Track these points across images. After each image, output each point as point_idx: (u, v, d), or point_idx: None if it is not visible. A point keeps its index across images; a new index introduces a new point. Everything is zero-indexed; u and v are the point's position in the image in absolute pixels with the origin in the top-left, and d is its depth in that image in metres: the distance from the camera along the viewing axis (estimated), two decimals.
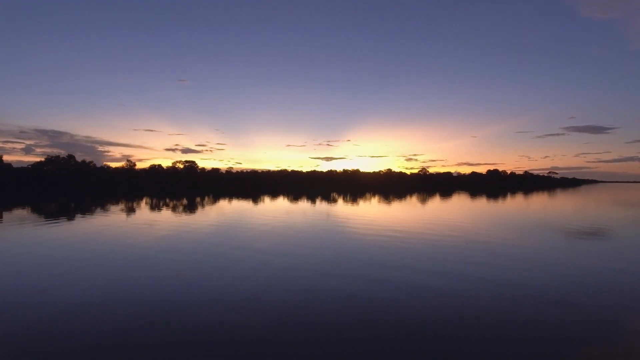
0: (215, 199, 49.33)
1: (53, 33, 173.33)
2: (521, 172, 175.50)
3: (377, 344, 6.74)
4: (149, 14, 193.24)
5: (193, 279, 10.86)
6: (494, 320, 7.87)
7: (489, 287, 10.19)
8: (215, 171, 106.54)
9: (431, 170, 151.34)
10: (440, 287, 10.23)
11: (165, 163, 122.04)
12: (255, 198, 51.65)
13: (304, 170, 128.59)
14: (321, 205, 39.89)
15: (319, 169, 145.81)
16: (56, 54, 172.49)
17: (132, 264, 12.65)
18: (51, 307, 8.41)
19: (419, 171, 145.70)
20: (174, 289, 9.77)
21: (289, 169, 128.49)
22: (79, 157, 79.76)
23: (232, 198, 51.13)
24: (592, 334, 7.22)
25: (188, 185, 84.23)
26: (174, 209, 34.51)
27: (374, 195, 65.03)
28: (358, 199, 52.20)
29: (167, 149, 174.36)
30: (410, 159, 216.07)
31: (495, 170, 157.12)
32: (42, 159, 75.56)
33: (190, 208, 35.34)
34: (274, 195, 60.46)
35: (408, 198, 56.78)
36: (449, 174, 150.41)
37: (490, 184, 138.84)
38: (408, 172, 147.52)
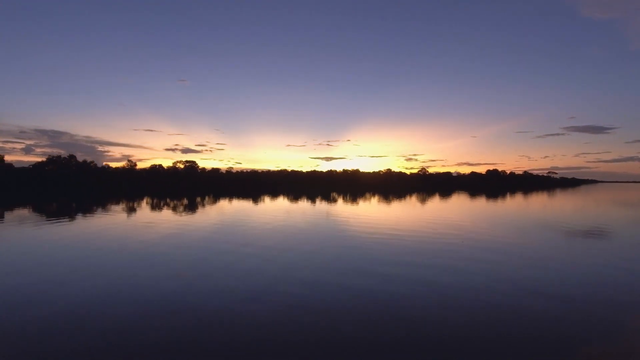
0: (216, 199, 49.46)
1: (53, 33, 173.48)
2: (521, 172, 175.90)
3: (377, 335, 6.91)
4: (149, 14, 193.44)
5: (200, 275, 11.06)
6: (493, 318, 7.98)
7: (487, 286, 10.30)
8: (215, 171, 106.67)
9: (431, 170, 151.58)
10: (437, 281, 10.46)
11: (166, 163, 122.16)
12: (256, 198, 51.78)
13: (304, 170, 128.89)
14: (321, 205, 40.02)
15: (319, 169, 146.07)
16: (56, 54, 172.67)
17: (136, 262, 12.78)
18: (51, 306, 8.45)
19: (418, 171, 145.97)
20: (180, 286, 9.91)
21: (289, 169, 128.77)
22: (79, 157, 79.84)
23: (233, 198, 51.26)
24: (592, 333, 7.27)
25: (188, 185, 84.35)
26: (176, 208, 34.64)
27: (373, 195, 65.16)
28: (358, 199, 52.33)
29: (167, 149, 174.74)
30: (410, 159, 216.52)
31: (495, 170, 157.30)
32: (43, 159, 75.72)
33: (192, 208, 35.47)
34: (274, 195, 60.59)
35: (408, 198, 56.92)
36: (448, 174, 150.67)
37: (490, 184, 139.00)
38: (408, 172, 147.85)
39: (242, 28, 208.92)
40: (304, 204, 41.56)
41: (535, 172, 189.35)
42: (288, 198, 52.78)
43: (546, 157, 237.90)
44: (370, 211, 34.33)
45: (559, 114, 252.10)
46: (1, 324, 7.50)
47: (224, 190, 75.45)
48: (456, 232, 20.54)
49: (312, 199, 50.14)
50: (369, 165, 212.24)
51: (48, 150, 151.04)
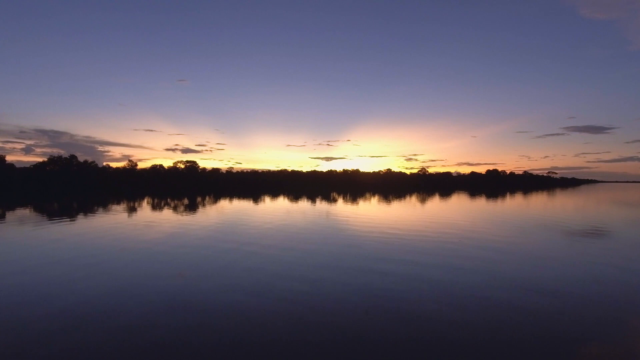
0: (217, 199, 49.69)
1: (53, 33, 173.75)
2: (521, 172, 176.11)
3: (376, 330, 7.18)
4: (149, 14, 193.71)
5: (204, 273, 11.34)
6: (491, 316, 8.17)
7: (487, 285, 10.56)
8: (215, 171, 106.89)
9: (431, 170, 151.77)
10: (436, 279, 10.72)
11: (166, 163, 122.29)
12: (256, 198, 52.02)
13: (304, 170, 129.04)
14: (321, 205, 40.26)
15: (319, 169, 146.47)
16: (56, 53, 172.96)
17: (140, 261, 13.05)
18: (51, 306, 8.50)
19: (418, 171, 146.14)
20: (185, 283, 10.20)
21: (289, 169, 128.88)
22: (79, 157, 79.96)
23: (233, 198, 51.50)
24: (592, 333, 7.30)
25: (189, 185, 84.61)
26: (177, 208, 34.88)
27: (373, 195, 65.39)
28: (358, 199, 52.56)
29: (167, 149, 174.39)
30: (410, 159, 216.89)
31: (495, 170, 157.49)
32: (44, 159, 75.94)
33: (194, 208, 35.72)
34: (274, 195, 60.82)
35: (407, 198, 57.15)
36: (448, 173, 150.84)
37: (490, 184, 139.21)
38: (408, 172, 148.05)
39: (242, 28, 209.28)
40: (304, 204, 41.80)
41: (535, 172, 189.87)
42: (288, 198, 53.01)
43: (546, 157, 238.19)
44: (370, 211, 34.56)
45: (559, 114, 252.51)
46: (2, 323, 7.57)
47: (225, 190, 75.69)
48: (455, 232, 20.79)
49: (312, 199, 50.39)
50: (369, 165, 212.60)
51: (48, 150, 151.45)
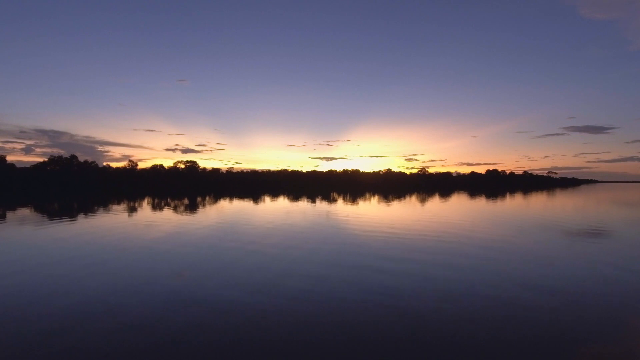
0: (217, 199, 49.83)
1: (53, 33, 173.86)
2: (520, 172, 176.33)
3: (377, 324, 7.33)
4: (149, 14, 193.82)
5: (208, 270, 11.55)
6: (490, 315, 8.26)
7: (486, 283, 10.68)
8: (216, 171, 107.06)
9: (431, 170, 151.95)
10: (433, 275, 10.87)
11: (166, 163, 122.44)
12: (256, 198, 52.15)
13: (304, 170, 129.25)
14: (322, 205, 40.39)
15: (319, 169, 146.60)
16: (56, 53, 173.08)
17: (145, 259, 13.19)
18: (51, 306, 8.47)
19: (418, 171, 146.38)
20: (190, 280, 10.36)
21: (289, 169, 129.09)
22: (79, 157, 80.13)
23: (234, 198, 51.63)
24: (591, 332, 7.28)
25: (189, 185, 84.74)
26: (178, 208, 35.00)
27: (373, 195, 65.52)
28: (358, 199, 52.69)
29: (167, 149, 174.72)
30: (410, 159, 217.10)
31: (495, 170, 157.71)
32: (44, 159, 76.13)
33: (195, 208, 35.84)
34: (274, 195, 60.96)
35: (407, 198, 57.28)
36: (448, 174, 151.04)
37: (490, 184, 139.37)
38: (408, 172, 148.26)
39: (242, 28, 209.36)
40: (304, 204, 41.93)
41: (535, 172, 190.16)
42: (288, 198, 53.15)
43: (546, 157, 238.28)
44: (370, 211, 34.70)
45: (559, 114, 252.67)
46: (2, 323, 7.56)
47: (224, 190, 75.83)
48: (454, 231, 20.91)
49: (313, 199, 50.52)
50: (369, 165, 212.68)
51: (48, 150, 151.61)
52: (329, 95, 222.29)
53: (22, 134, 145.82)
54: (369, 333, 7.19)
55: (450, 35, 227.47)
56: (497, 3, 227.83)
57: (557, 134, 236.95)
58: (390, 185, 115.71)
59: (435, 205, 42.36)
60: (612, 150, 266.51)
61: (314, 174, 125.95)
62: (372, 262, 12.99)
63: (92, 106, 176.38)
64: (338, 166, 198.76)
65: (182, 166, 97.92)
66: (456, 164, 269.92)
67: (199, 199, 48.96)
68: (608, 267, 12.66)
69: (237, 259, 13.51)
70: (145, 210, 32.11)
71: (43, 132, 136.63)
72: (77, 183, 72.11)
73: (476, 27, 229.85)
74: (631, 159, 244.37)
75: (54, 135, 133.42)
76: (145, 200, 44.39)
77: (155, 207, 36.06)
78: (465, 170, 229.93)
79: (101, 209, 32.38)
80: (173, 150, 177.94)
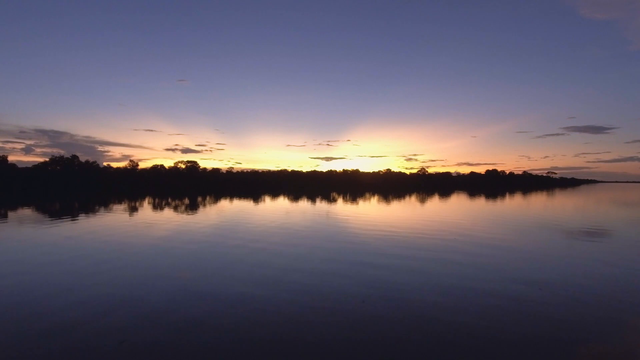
0: (218, 198, 50.12)
1: (53, 33, 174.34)
2: (520, 172, 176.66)
3: (378, 317, 7.65)
4: (149, 14, 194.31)
5: (215, 266, 12.03)
6: (489, 314, 8.42)
7: (484, 281, 10.96)
8: (216, 171, 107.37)
9: (431, 170, 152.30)
10: (430, 271, 11.29)
11: (166, 163, 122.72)
12: (257, 198, 52.44)
13: (304, 170, 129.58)
14: (322, 205, 40.69)
15: (319, 169, 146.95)
16: (56, 54, 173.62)
17: (155, 256, 13.51)
18: (50, 306, 8.48)
19: (418, 171, 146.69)
20: (197, 276, 10.71)
21: (289, 169, 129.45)
22: (79, 157, 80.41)
23: (234, 198, 51.92)
24: (592, 333, 7.27)
25: (190, 185, 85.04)
26: (181, 208, 35.30)
27: (373, 195, 65.81)
28: (358, 199, 52.98)
29: (167, 149, 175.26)
30: (410, 159, 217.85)
31: (494, 171, 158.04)
32: (44, 159, 76.53)
33: (197, 207, 36.14)
34: (274, 195, 61.24)
35: (407, 198, 57.57)
36: (448, 174, 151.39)
37: (489, 184, 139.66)
38: (408, 172, 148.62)
39: (242, 28, 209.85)
40: (304, 204, 42.23)
41: (535, 172, 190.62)
42: (289, 198, 53.44)
43: (546, 157, 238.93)
44: (370, 210, 35.00)
45: (559, 114, 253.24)
46: (3, 323, 7.59)
47: (225, 190, 76.10)
48: (454, 230, 21.21)
49: (313, 199, 50.82)
50: (368, 165, 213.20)
51: (48, 150, 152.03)
52: (329, 95, 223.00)
53: (22, 134, 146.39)
54: (370, 324, 7.51)
55: (450, 35, 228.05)
56: (497, 3, 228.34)
57: (557, 134, 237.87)
58: (390, 185, 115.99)
59: (435, 205, 42.65)
60: (612, 150, 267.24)
61: (314, 174, 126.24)
62: (372, 259, 13.33)
63: (92, 106, 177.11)
64: (338, 166, 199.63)
65: (183, 166, 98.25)
66: (456, 164, 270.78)
67: (200, 199, 49.26)
68: (608, 267, 12.62)
69: (241, 255, 13.92)
70: (147, 210, 32.41)
71: (43, 132, 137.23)
72: (79, 183, 72.41)
73: (476, 27, 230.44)
74: (631, 159, 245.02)
75: (54, 135, 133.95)
76: (147, 200, 44.69)
77: (157, 207, 36.36)
78: (465, 170, 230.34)
79: (103, 209, 32.67)
80: (173, 150, 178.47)
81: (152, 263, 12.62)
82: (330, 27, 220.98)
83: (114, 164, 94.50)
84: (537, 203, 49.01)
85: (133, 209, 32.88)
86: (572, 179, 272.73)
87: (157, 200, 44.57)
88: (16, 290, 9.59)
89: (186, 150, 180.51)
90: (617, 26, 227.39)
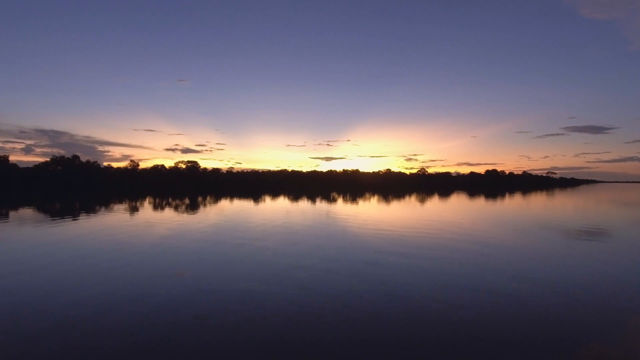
0: (218, 198, 50.16)
1: (53, 33, 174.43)
2: (520, 172, 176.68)
3: (379, 313, 7.72)
4: (149, 14, 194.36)
5: (220, 264, 12.33)
6: (488, 313, 8.40)
7: (483, 280, 10.98)
8: (216, 171, 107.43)
9: (431, 170, 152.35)
10: (429, 269, 11.32)
11: (166, 163, 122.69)
12: (257, 198, 52.48)
13: (304, 170, 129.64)
14: (322, 205, 40.73)
15: (319, 169, 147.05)
16: (56, 53, 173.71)
17: (160, 255, 13.55)
18: (51, 306, 8.47)
19: (418, 171, 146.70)
20: (203, 273, 10.78)
21: (289, 169, 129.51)
22: (79, 157, 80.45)
23: (235, 198, 51.97)
24: (592, 333, 7.25)
25: (190, 185, 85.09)
26: (182, 207, 35.33)
27: (373, 195, 65.84)
28: (358, 199, 53.02)
29: (167, 149, 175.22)
30: (410, 159, 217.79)
31: (494, 171, 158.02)
32: (45, 159, 76.63)
33: (198, 207, 36.17)
34: (274, 195, 61.28)
35: (407, 198, 57.59)
36: (447, 174, 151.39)
37: (489, 184, 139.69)
38: (408, 172, 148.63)
39: (242, 28, 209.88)
40: (305, 204, 42.26)
41: (535, 172, 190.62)
42: (289, 198, 53.48)
43: (546, 157, 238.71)
44: (370, 210, 35.03)
45: (559, 114, 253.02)
46: (3, 322, 7.59)
47: (225, 190, 76.15)
48: (454, 230, 21.23)
49: (313, 199, 50.85)
50: (368, 165, 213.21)
51: (48, 150, 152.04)
52: (329, 95, 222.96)
53: (22, 134, 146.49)
54: (370, 323, 7.53)
55: (450, 35, 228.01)
56: (497, 3, 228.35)
57: (557, 134, 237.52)
58: (390, 185, 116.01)
59: (435, 205, 42.67)
60: (612, 150, 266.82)
61: (314, 174, 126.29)
62: (372, 258, 13.39)
63: (92, 106, 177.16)
64: (338, 166, 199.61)
65: (183, 166, 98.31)
66: (456, 164, 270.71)
67: (200, 198, 49.30)
68: (608, 267, 12.62)
69: (241, 254, 13.99)
70: (147, 210, 32.44)
71: (43, 132, 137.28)
72: (79, 183, 72.47)
73: (476, 27, 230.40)
74: (631, 159, 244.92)
75: (54, 135, 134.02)
76: (147, 200, 44.72)
77: (158, 207, 36.39)
78: (465, 170, 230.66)
79: (104, 209, 32.70)
80: (173, 150, 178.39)
81: (153, 263, 12.67)
82: (330, 27, 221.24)
83: (114, 164, 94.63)
84: (536, 203, 49.02)
85: (134, 209, 32.91)
86: (572, 179, 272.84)
87: (157, 200, 44.61)
88: (16, 290, 9.60)
89: (186, 150, 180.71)
90: (617, 26, 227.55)
